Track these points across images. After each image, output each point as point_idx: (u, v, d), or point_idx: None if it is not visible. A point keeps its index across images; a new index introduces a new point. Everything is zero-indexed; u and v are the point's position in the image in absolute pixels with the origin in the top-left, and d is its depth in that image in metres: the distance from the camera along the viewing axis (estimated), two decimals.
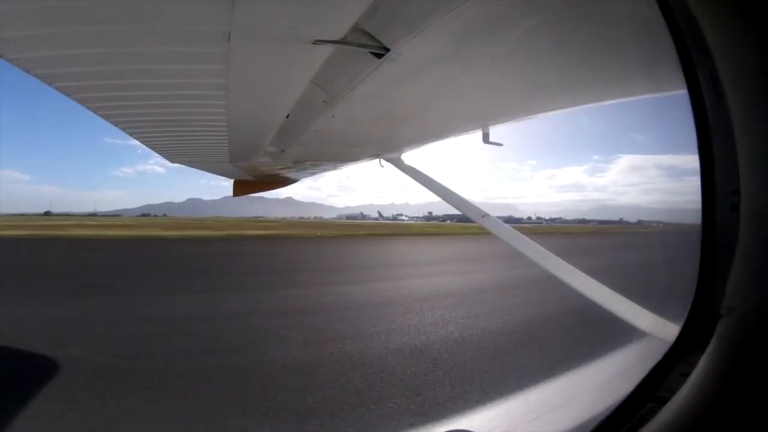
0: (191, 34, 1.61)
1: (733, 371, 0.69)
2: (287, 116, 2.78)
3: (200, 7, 1.44)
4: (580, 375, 4.77)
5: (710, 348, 0.72)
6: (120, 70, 1.94)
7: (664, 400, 0.76)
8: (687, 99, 0.79)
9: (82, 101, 2.27)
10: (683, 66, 0.78)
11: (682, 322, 0.83)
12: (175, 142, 3.39)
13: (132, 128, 2.91)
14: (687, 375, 0.75)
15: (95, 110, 2.43)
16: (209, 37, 1.60)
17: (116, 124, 2.77)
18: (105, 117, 2.58)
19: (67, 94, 2.14)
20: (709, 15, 0.69)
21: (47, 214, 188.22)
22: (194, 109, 2.52)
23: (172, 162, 4.46)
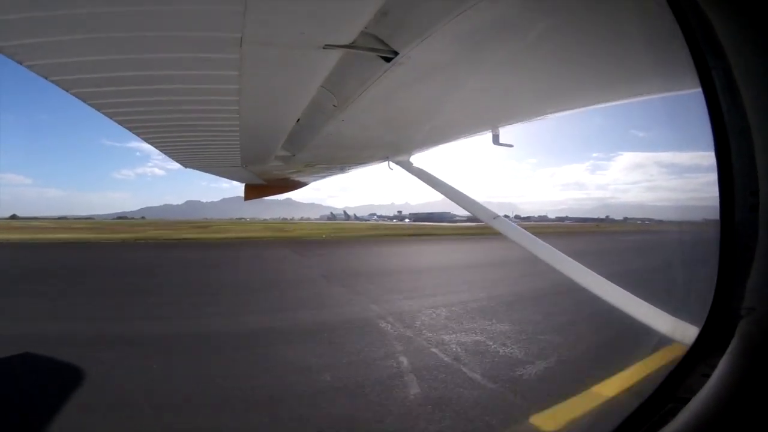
0: (205, 41, 1.64)
1: (754, 371, 0.68)
2: (298, 120, 2.81)
3: (213, 14, 1.47)
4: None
5: (730, 348, 0.72)
6: (135, 77, 1.98)
7: (685, 401, 0.76)
8: (698, 98, 0.78)
9: (98, 107, 2.32)
10: (697, 67, 0.77)
11: (701, 323, 0.82)
12: (189, 147, 3.45)
13: (147, 134, 2.97)
14: (708, 376, 0.74)
15: (111, 116, 2.49)
16: (222, 43, 1.63)
17: (131, 129, 2.83)
18: (120, 123, 2.64)
19: (84, 100, 2.18)
20: (723, 17, 0.69)
21: (13, 217, 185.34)
22: (208, 115, 2.56)
23: (186, 167, 4.54)
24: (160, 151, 3.52)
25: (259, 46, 1.65)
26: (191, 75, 1.96)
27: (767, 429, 0.65)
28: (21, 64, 1.72)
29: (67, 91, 2.02)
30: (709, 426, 0.70)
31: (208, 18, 1.49)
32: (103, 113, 2.37)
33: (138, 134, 2.90)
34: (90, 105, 2.22)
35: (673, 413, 0.77)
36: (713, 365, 0.74)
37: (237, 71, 1.86)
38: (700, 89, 0.79)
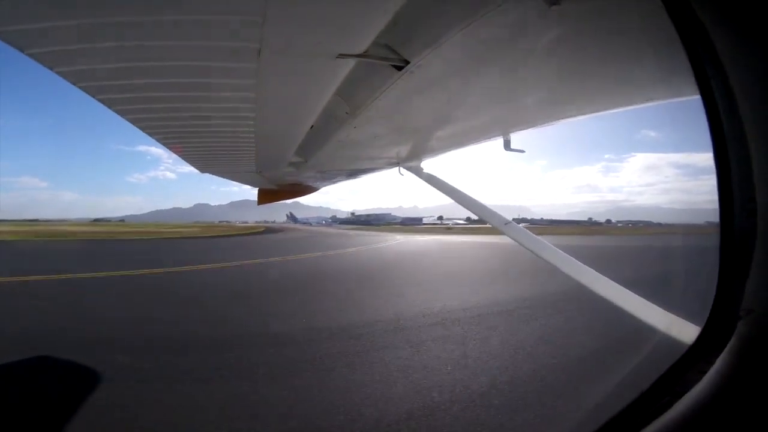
0: (225, 51, 1.71)
1: (749, 368, 0.71)
2: (311, 127, 2.89)
3: (234, 25, 1.53)
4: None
5: (728, 347, 0.76)
6: (159, 84, 2.07)
7: (681, 394, 0.79)
8: (701, 105, 0.81)
9: (121, 113, 2.41)
10: (697, 77, 0.81)
11: (702, 324, 0.85)
12: (206, 153, 3.56)
13: (167, 140, 3.08)
14: (704, 372, 0.78)
15: (133, 122, 2.59)
16: (241, 53, 1.69)
17: (152, 135, 2.94)
18: (142, 128, 2.75)
19: (109, 106, 2.28)
20: (719, 27, 0.72)
21: None
22: (226, 122, 2.65)
23: (202, 172, 4.66)
24: (179, 156, 3.64)
25: (276, 56, 1.72)
26: (211, 83, 2.05)
27: (758, 422, 0.68)
28: (52, 69, 1.81)
29: (93, 97, 2.11)
30: (702, 417, 0.74)
31: (229, 28, 1.56)
32: (127, 119, 2.48)
33: (158, 140, 3.01)
34: (115, 111, 2.32)
35: (669, 405, 0.80)
36: (711, 362, 0.78)
37: (255, 80, 1.94)
38: (699, 96, 0.82)
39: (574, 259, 2.87)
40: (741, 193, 0.77)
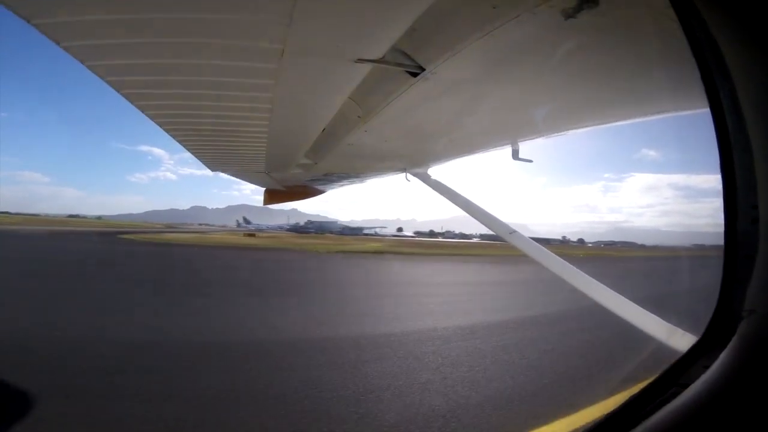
0: (249, 50, 1.74)
1: (751, 365, 0.76)
2: (323, 130, 2.94)
3: (260, 25, 1.57)
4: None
5: (731, 345, 0.80)
6: (181, 81, 2.11)
7: (686, 386, 0.85)
8: (706, 118, 0.86)
9: (142, 108, 2.46)
10: (707, 89, 0.85)
11: (706, 324, 0.90)
12: (219, 151, 3.61)
13: (183, 137, 3.13)
14: (708, 367, 0.83)
15: (152, 117, 2.64)
16: (265, 53, 1.73)
17: (168, 131, 2.99)
18: (160, 124, 2.80)
19: (132, 101, 2.32)
20: (730, 42, 0.77)
21: None
22: (240, 121, 2.70)
23: (212, 170, 4.71)
24: (192, 153, 3.70)
25: (297, 58, 1.76)
26: (230, 82, 2.09)
27: (757, 413, 0.72)
28: (83, 63, 1.85)
29: (118, 91, 2.16)
30: (704, 407, 0.79)
31: (255, 28, 1.59)
32: (146, 114, 2.53)
33: (174, 136, 3.06)
34: (136, 106, 2.37)
35: (675, 395, 0.85)
36: (714, 358, 0.83)
37: (274, 80, 1.98)
38: (707, 109, 0.87)
39: (579, 270, 2.88)
40: (745, 200, 0.81)
